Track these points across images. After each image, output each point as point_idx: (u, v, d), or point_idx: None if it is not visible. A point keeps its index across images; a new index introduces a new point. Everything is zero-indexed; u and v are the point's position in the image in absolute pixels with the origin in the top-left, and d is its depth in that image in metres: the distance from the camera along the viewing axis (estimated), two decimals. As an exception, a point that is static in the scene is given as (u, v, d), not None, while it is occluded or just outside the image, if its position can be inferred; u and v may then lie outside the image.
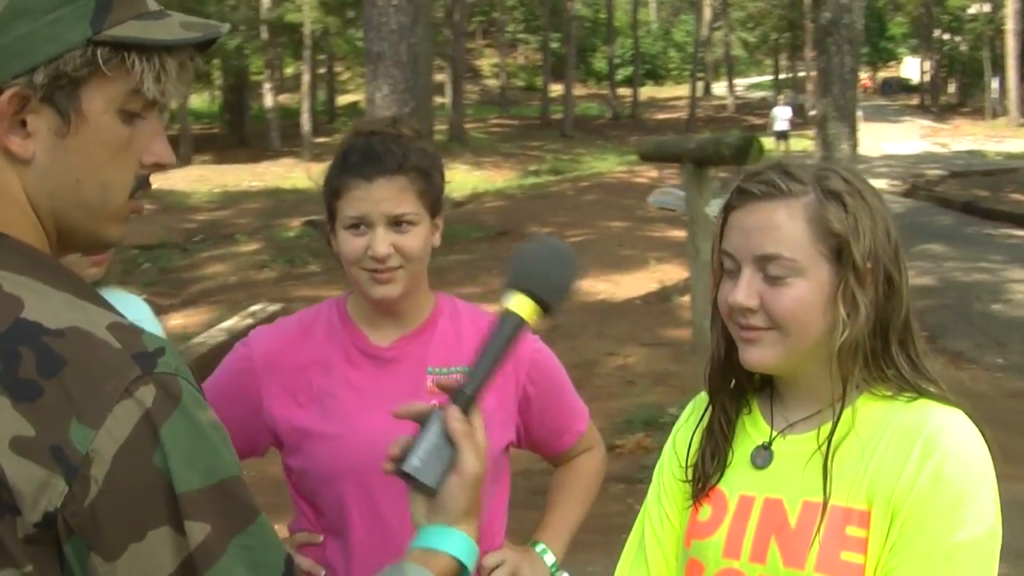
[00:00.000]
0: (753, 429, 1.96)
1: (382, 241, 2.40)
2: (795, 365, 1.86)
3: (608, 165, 35.55)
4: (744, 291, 1.82)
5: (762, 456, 1.92)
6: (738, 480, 1.93)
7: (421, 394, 2.45)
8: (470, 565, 1.65)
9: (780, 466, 1.89)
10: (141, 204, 1.50)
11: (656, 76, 73.75)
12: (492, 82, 65.29)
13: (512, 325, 1.76)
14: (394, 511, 2.41)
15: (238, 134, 45.07)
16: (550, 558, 2.65)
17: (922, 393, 1.83)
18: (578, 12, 58.50)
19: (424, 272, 2.54)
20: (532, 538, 2.69)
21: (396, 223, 2.41)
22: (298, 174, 34.82)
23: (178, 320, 14.94)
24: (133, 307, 2.95)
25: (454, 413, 1.69)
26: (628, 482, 7.49)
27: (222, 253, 23.35)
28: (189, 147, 38.50)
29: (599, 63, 67.31)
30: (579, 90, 65.40)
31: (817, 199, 1.81)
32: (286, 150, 40.49)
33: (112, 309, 1.39)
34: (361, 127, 2.58)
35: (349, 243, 2.43)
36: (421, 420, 1.72)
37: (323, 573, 2.48)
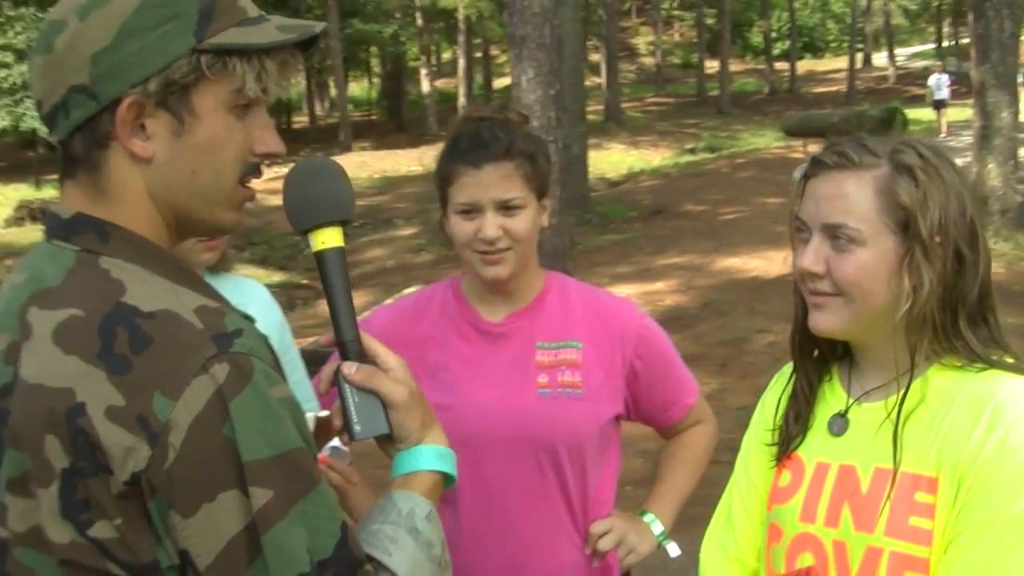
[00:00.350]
0: (832, 397, 2.04)
1: (491, 225, 2.53)
2: (863, 333, 1.93)
3: (765, 141, 35.08)
4: (811, 256, 1.90)
5: (838, 424, 1.99)
6: (815, 447, 2.01)
7: (529, 367, 2.60)
8: (448, 467, 1.76)
9: (854, 433, 1.96)
10: (252, 191, 1.68)
11: (814, 49, 72.24)
12: (648, 60, 64.90)
13: (332, 261, 1.76)
14: (499, 478, 2.56)
15: (396, 120, 45.70)
16: (658, 527, 2.75)
17: (993, 364, 1.87)
18: (733, -15, 57.81)
19: (533, 251, 2.66)
20: (641, 508, 2.80)
21: (504, 207, 2.54)
22: (455, 158, 35.29)
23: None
24: (249, 291, 3.14)
25: (348, 368, 1.73)
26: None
27: (380, 238, 23.82)
28: (349, 134, 39.20)
29: (756, 38, 66.23)
30: (736, 65, 64.48)
31: (889, 172, 1.87)
32: (443, 134, 40.45)
33: (206, 293, 1.56)
34: (470, 113, 2.71)
35: (461, 227, 2.57)
36: (336, 383, 1.76)
37: None
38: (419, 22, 43.54)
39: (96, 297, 1.48)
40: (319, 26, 1.66)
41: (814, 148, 9.85)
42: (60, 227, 1.58)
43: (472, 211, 2.55)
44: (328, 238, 1.76)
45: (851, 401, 2.00)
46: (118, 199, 1.57)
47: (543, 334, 2.66)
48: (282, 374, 1.54)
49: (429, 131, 41.29)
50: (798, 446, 2.04)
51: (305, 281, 19.66)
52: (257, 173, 1.67)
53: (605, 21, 44.43)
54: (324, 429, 2.51)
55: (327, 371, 1.85)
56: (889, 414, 1.88)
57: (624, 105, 46.42)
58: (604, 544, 2.65)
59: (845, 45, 55.96)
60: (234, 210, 1.67)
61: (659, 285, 14.88)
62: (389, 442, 1.77)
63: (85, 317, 1.46)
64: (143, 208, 1.59)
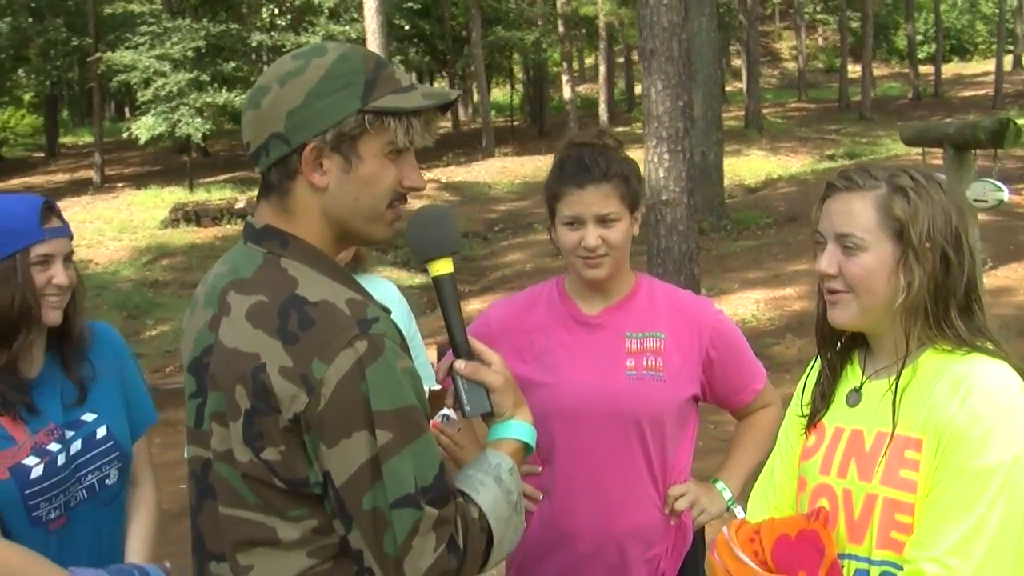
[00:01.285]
0: (852, 375, 2.52)
1: (592, 235, 3.05)
2: (872, 324, 2.41)
3: (905, 148, 34.66)
4: (827, 260, 2.40)
5: (853, 397, 2.48)
6: (835, 415, 2.50)
7: (619, 353, 3.13)
8: (529, 439, 2.34)
9: (865, 404, 2.44)
10: (399, 212, 2.26)
11: (962, 51, 70.89)
12: (791, 65, 64.52)
13: (445, 284, 2.38)
14: (590, 445, 3.10)
15: (538, 126, 46.24)
16: (727, 494, 3.25)
17: (977, 349, 2.34)
18: (878, -11, 57.05)
19: (626, 256, 3.17)
20: (714, 476, 3.30)
21: (603, 221, 3.06)
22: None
23: (476, 305, 15.96)
24: (381, 288, 3.72)
25: (459, 364, 2.34)
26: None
27: (520, 242, 24.34)
28: (491, 140, 39.84)
29: (901, 41, 65.06)
30: (881, 70, 63.76)
31: (887, 192, 2.36)
32: (583, 141, 41.17)
33: (355, 289, 2.15)
34: (573, 139, 3.23)
35: (566, 236, 3.10)
36: (451, 375, 2.38)
37: (541, 496, 3.16)
38: (560, 29, 44.03)
39: (277, 288, 2.08)
40: (455, 94, 2.25)
41: (933, 158, 10.04)
42: (253, 234, 2.21)
43: (576, 223, 3.07)
44: (441, 267, 2.39)
45: (864, 379, 2.48)
46: (298, 217, 2.18)
47: (632, 325, 3.17)
48: (407, 352, 2.12)
49: (570, 137, 41.59)
50: (823, 416, 2.52)
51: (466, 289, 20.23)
52: (403, 200, 2.26)
53: (745, 27, 44.42)
54: (437, 400, 3.14)
55: (443, 365, 2.44)
56: (890, 388, 2.36)
57: (765, 111, 46.34)
58: (680, 504, 3.15)
59: (995, 47, 54.56)
60: (386, 227, 2.25)
61: (788, 291, 15.18)
62: (490, 417, 2.38)
63: (269, 302, 2.07)
64: (316, 224, 2.19)
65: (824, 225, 2.43)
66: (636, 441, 3.10)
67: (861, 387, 2.48)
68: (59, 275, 2.89)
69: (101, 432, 2.97)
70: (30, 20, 42.60)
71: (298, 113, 2.10)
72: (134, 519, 3.13)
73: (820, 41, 71.31)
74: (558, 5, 43.70)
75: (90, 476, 2.94)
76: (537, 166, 35.10)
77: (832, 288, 2.41)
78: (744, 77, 45.03)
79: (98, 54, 35.68)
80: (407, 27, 38.46)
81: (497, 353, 2.39)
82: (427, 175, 33.72)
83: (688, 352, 3.17)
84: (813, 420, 2.54)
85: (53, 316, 2.90)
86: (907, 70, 56.40)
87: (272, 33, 35.25)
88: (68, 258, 2.95)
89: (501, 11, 43.43)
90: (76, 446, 2.92)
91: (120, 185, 35.59)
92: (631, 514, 3.13)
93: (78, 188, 35.98)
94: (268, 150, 2.14)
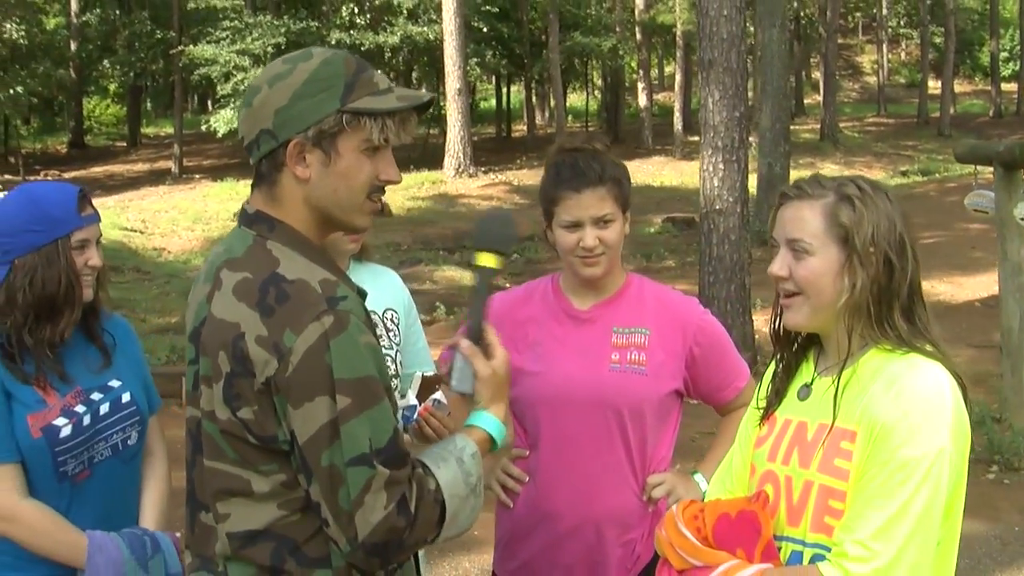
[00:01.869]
0: (805, 371, 2.68)
1: (590, 236, 3.24)
2: (822, 324, 2.57)
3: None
4: (778, 264, 2.57)
5: (804, 391, 2.64)
6: (787, 408, 2.67)
7: (605, 346, 3.32)
8: (496, 434, 2.56)
9: (813, 398, 2.60)
10: (378, 205, 2.50)
11: (1050, 69, 69.64)
12: (872, 79, 63.93)
13: (485, 275, 2.63)
14: (574, 430, 3.29)
15: (613, 132, 46.23)
16: (704, 484, 3.39)
17: (915, 350, 2.49)
18: (962, 3, 56.12)
19: (619, 255, 3.35)
20: (692, 468, 3.48)
21: (600, 222, 3.24)
22: (668, 172, 35.60)
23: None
24: (383, 276, 3.92)
25: (464, 343, 2.57)
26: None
27: (587, 246, 24.36)
28: (565, 145, 39.68)
29: (985, 57, 64.02)
30: (964, 86, 62.88)
31: (834, 200, 2.52)
32: (658, 148, 41.25)
33: (331, 271, 2.39)
34: (564, 145, 3.41)
35: (565, 238, 3.28)
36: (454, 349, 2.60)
37: (527, 478, 3.36)
38: (638, 36, 44.10)
39: (261, 266, 2.33)
40: (427, 96, 2.48)
41: (984, 176, 10.06)
42: (246, 218, 2.45)
43: (574, 226, 3.26)
44: (488, 260, 2.67)
45: (815, 375, 2.64)
46: (284, 204, 2.42)
47: (619, 321, 3.34)
48: (373, 331, 2.37)
49: (644, 144, 41.64)
50: (775, 409, 2.69)
51: (508, 285, 20.43)
52: (381, 192, 2.49)
53: (824, 39, 44.17)
54: (428, 385, 3.38)
55: (454, 339, 2.66)
56: (832, 384, 2.52)
57: (843, 124, 46.04)
58: (657, 492, 3.32)
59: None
60: (364, 216, 2.48)
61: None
62: (470, 402, 2.60)
63: (252, 279, 2.32)
64: (300, 211, 2.42)
65: (777, 231, 2.59)
66: (617, 430, 3.27)
67: (812, 383, 2.64)
68: (94, 258, 3.20)
69: (125, 397, 3.25)
70: (117, 12, 43.49)
71: (284, 112, 2.34)
72: (148, 488, 3.39)
73: (903, 56, 70.52)
74: (636, 13, 43.77)
75: (115, 436, 3.21)
76: (609, 172, 35.01)
77: (785, 291, 2.58)
78: (821, 89, 44.76)
79: (180, 47, 36.39)
80: (485, 29, 38.62)
81: (504, 350, 2.61)
82: (499, 178, 33.98)
83: (672, 348, 3.33)
84: (767, 412, 2.71)
85: (88, 293, 3.20)
86: (989, 87, 55.58)
87: (351, 32, 35.70)
88: (98, 241, 3.25)
89: (579, 17, 43.50)
90: (104, 408, 3.19)
91: (197, 176, 36.25)
92: (609, 498, 3.29)
93: (157, 178, 36.71)
94: (259, 144, 2.39)
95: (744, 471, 2.75)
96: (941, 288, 16.03)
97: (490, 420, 2.56)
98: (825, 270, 2.51)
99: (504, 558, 3.48)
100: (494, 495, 3.41)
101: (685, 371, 3.37)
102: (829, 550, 2.42)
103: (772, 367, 2.78)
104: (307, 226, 2.42)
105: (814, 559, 2.45)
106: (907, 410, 2.38)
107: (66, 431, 3.08)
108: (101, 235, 3.30)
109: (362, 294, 2.43)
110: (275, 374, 2.23)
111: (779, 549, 2.51)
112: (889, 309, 2.50)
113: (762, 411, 2.73)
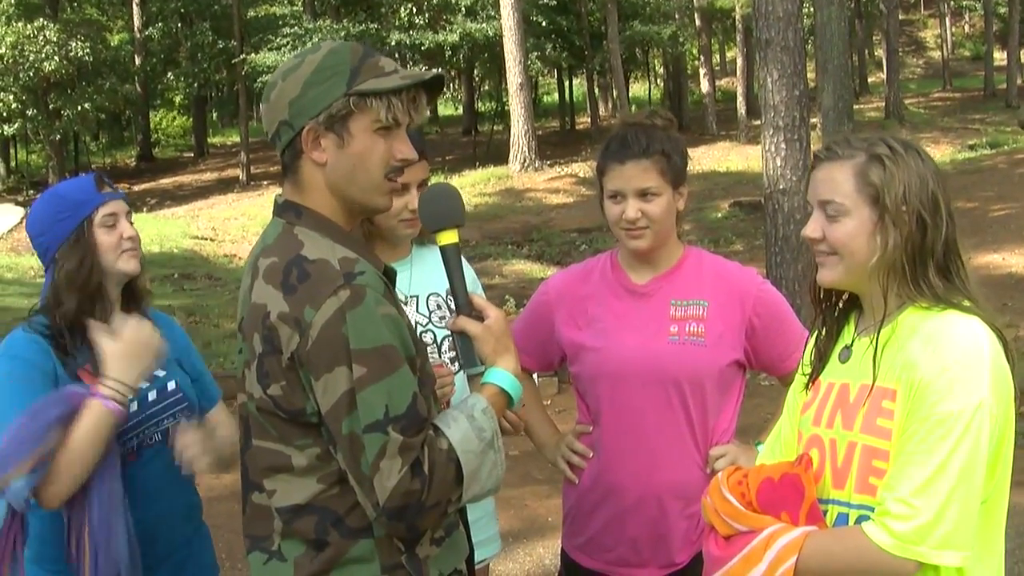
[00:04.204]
0: (847, 334, 2.71)
1: (632, 208, 3.28)
2: (857, 283, 2.60)
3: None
4: (812, 226, 2.61)
5: (844, 354, 2.67)
6: (830, 372, 2.69)
7: (664, 319, 3.36)
8: (507, 386, 2.62)
9: (854, 360, 2.63)
10: (397, 184, 2.62)
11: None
12: (936, 54, 63.15)
13: (450, 253, 2.69)
14: (635, 404, 3.33)
15: (677, 120, 45.47)
16: (768, 456, 3.43)
17: (952, 306, 2.50)
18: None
19: (672, 229, 3.38)
20: (757, 439, 3.47)
21: (643, 194, 3.28)
22: (733, 157, 35.42)
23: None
24: (430, 259, 3.92)
25: (449, 321, 2.66)
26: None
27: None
28: (628, 135, 39.53)
29: (1053, 26, 62.97)
30: (1031, 57, 61.92)
31: (864, 160, 2.54)
32: (723, 134, 40.99)
33: (353, 249, 2.48)
34: (625, 119, 3.45)
35: (610, 209, 3.34)
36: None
37: (591, 454, 3.43)
38: (697, 23, 43.85)
39: (287, 250, 2.44)
40: (429, 74, 2.59)
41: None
42: (277, 208, 2.58)
43: (618, 196, 3.30)
44: (447, 237, 2.72)
45: (854, 336, 2.67)
46: (308, 191, 2.54)
47: (677, 293, 3.37)
48: (395, 303, 2.46)
49: (709, 131, 41.37)
50: (820, 373, 2.71)
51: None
52: (400, 172, 2.59)
53: (885, 15, 43.68)
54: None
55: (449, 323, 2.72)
56: (871, 343, 2.55)
57: (908, 101, 45.48)
58: (720, 464, 3.31)
59: None
60: (384, 196, 2.59)
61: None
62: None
63: (279, 262, 2.44)
64: (324, 196, 2.54)
65: (810, 193, 2.63)
66: (677, 402, 3.30)
67: (852, 344, 2.66)
68: (127, 229, 3.31)
69: (171, 385, 3.35)
70: (179, 25, 44.01)
71: (297, 102, 2.47)
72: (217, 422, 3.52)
73: (966, 28, 69.60)
74: (695, -2, 43.52)
75: (165, 421, 3.32)
76: (673, 160, 34.89)
77: (819, 251, 2.60)
78: (884, 67, 44.27)
79: (243, 56, 36.73)
80: (544, 23, 38.58)
81: (497, 309, 2.67)
82: (565, 171, 33.97)
83: (731, 320, 3.35)
84: (812, 378, 2.74)
85: (133, 265, 3.32)
86: (1058, 56, 54.59)
87: (410, 32, 35.87)
88: (128, 216, 3.35)
89: (638, 6, 43.18)
90: (152, 395, 3.29)
91: (265, 183, 36.64)
92: (671, 471, 3.32)
93: (225, 186, 37.16)
94: (280, 136, 2.52)
95: (792, 438, 2.78)
96: (1013, 260, 15.78)
97: (499, 374, 2.63)
98: (858, 231, 2.53)
99: (571, 534, 3.53)
100: (560, 481, 3.47)
101: (745, 342, 3.39)
102: (874, 510, 2.44)
103: (815, 332, 2.80)
104: (332, 211, 2.54)
105: (860, 520, 2.48)
106: (944, 365, 2.40)
107: None
108: (130, 211, 3.39)
109: (389, 272, 2.56)
110: (297, 348, 2.35)
111: (825, 513, 2.54)
112: (924, 267, 2.52)
113: (807, 376, 2.76)
